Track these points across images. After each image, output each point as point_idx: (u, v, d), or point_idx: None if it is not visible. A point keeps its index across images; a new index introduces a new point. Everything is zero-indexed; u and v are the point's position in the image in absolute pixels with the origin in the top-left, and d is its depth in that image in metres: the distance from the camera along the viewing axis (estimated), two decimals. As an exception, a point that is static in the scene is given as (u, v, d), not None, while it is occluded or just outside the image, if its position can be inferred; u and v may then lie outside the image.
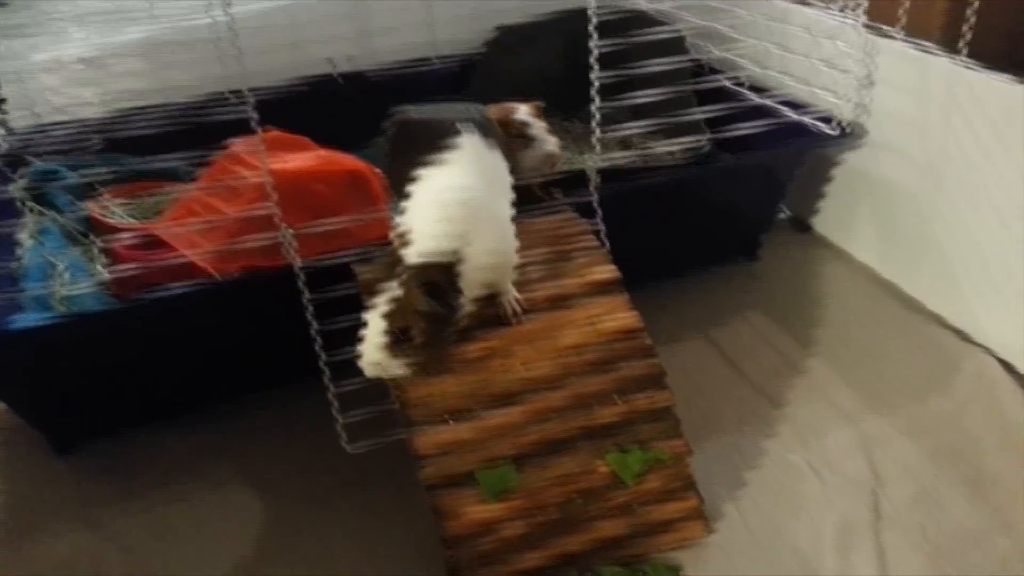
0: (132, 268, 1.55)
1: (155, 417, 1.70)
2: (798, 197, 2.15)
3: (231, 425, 1.69)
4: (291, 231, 1.51)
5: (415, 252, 1.24)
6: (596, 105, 1.64)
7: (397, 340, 1.24)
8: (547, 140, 1.66)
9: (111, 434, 1.67)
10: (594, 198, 1.63)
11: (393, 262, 1.26)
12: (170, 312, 1.55)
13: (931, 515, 1.41)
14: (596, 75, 1.61)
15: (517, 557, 1.32)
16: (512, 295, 1.39)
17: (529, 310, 1.41)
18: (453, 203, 1.29)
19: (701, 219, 1.90)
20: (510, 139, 1.60)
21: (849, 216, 2.03)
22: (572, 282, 1.44)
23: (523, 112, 1.68)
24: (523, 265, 1.47)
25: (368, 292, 1.32)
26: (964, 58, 1.65)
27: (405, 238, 1.26)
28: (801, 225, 2.19)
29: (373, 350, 1.25)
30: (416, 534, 1.44)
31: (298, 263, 1.50)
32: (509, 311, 1.38)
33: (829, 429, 1.59)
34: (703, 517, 1.40)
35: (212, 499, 1.53)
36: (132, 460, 1.62)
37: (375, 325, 1.25)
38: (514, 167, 1.53)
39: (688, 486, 1.39)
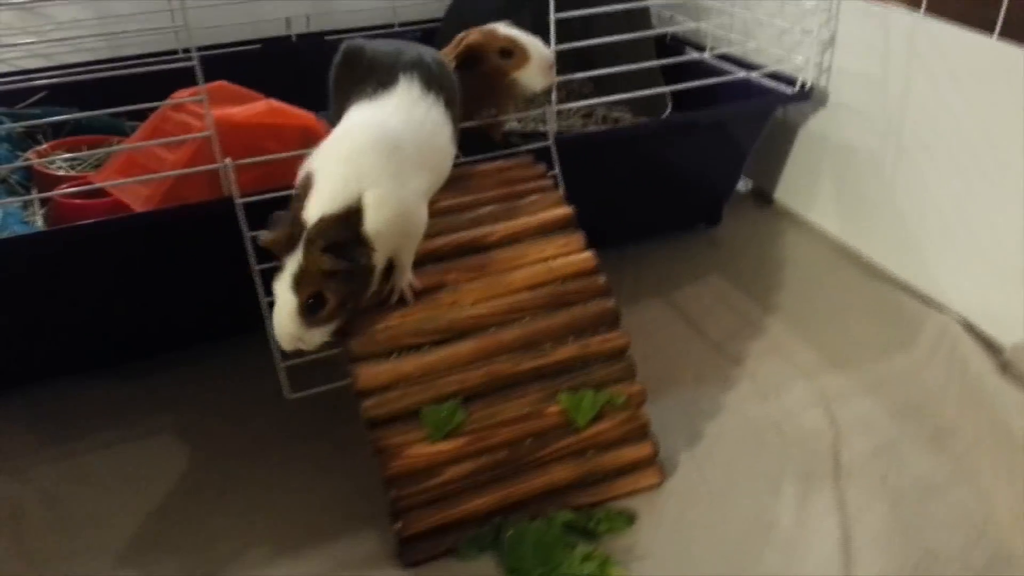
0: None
1: (83, 366, 1.61)
2: (759, 168, 2.13)
3: (164, 376, 1.61)
4: (231, 161, 1.44)
5: (314, 210, 1.15)
6: (553, 78, 1.57)
7: (310, 308, 1.17)
8: (539, 46, 1.54)
9: (36, 382, 1.57)
10: (551, 142, 1.58)
11: (294, 221, 1.17)
12: (98, 241, 1.47)
13: (891, 466, 1.37)
14: (554, 47, 1.57)
15: (464, 499, 1.25)
16: (409, 277, 1.28)
17: (480, 247, 1.36)
18: (363, 144, 1.21)
19: (661, 178, 1.86)
20: (501, 59, 1.52)
21: (810, 184, 2.01)
22: (525, 220, 1.39)
23: (504, 26, 1.56)
24: (476, 204, 1.43)
25: (273, 255, 1.21)
26: (925, 11, 1.64)
27: (307, 186, 1.18)
28: (762, 196, 2.17)
29: (287, 322, 1.17)
30: (359, 482, 1.36)
31: (237, 196, 1.43)
32: (398, 294, 1.27)
33: (788, 385, 1.55)
34: (658, 465, 1.35)
35: (141, 449, 1.44)
36: (57, 409, 1.53)
37: (283, 296, 1.17)
38: (510, 91, 1.54)
39: (643, 432, 1.34)
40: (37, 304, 1.49)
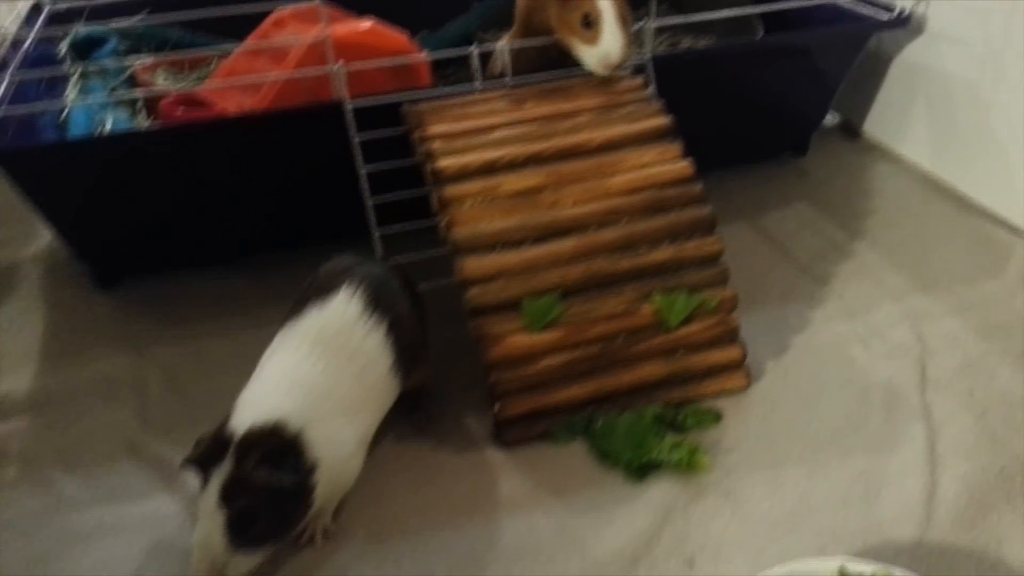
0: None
1: (199, 260, 1.70)
2: (848, 100, 2.11)
3: (278, 272, 1.69)
4: (343, 66, 1.50)
5: (241, 423, 1.04)
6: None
7: (239, 525, 1.00)
8: (611, 44, 1.46)
9: (154, 273, 1.68)
10: (648, 59, 1.60)
11: (220, 429, 1.05)
12: (211, 137, 1.56)
13: (978, 381, 1.38)
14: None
15: (558, 388, 1.31)
16: (326, 520, 1.16)
17: (581, 153, 1.40)
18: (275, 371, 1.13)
19: (749, 103, 1.87)
20: (581, 25, 1.47)
21: (901, 116, 2.00)
22: (624, 128, 1.43)
23: (609, 7, 1.45)
24: (576, 112, 1.46)
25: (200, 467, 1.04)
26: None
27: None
28: (851, 129, 2.16)
29: (209, 542, 0.99)
30: (455, 373, 1.43)
31: (347, 100, 1.49)
32: (311, 535, 1.15)
33: (876, 305, 1.56)
34: (745, 369, 1.38)
35: (254, 336, 1.51)
36: (174, 297, 1.64)
37: (207, 511, 1.00)
38: (572, 56, 1.52)
39: (732, 336, 1.38)
40: (162, 199, 1.59)
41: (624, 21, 1.47)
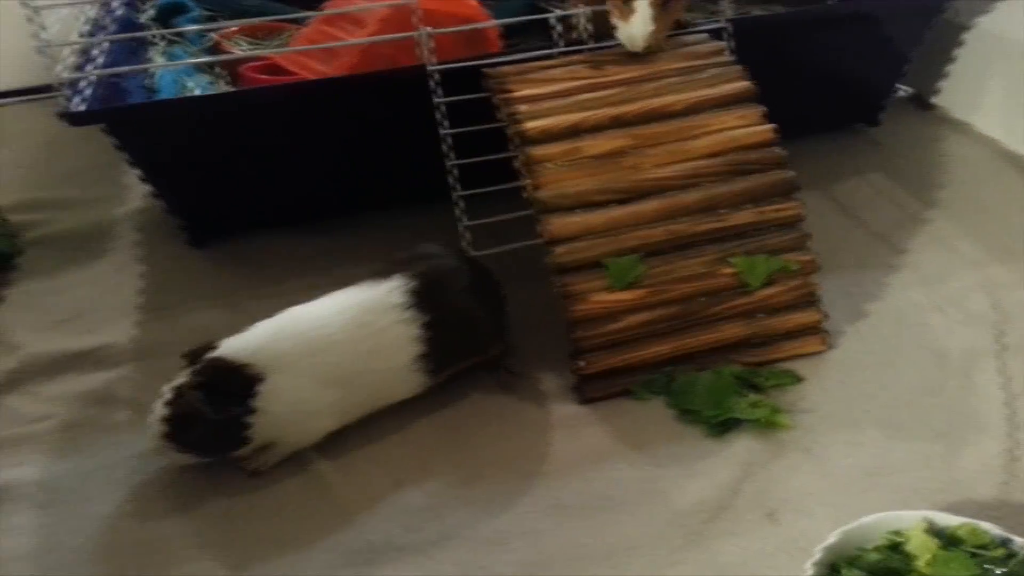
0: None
1: (285, 220, 1.77)
2: (923, 74, 2.10)
3: (356, 234, 1.75)
4: (428, 30, 1.53)
5: (221, 346, 1.18)
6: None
7: (173, 426, 1.13)
8: (637, 27, 1.43)
9: (242, 232, 1.74)
10: (725, 24, 1.61)
11: (207, 345, 1.20)
12: (300, 98, 1.61)
13: (1058, 348, 1.39)
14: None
15: (639, 346, 1.34)
16: (268, 459, 1.22)
17: (662, 116, 1.42)
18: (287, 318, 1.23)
19: (821, 71, 1.87)
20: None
21: (975, 87, 1.98)
22: (706, 92, 1.44)
23: None
24: (658, 75, 1.48)
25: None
26: None
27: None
28: (922, 101, 2.14)
29: (152, 428, 1.15)
30: (535, 332, 1.47)
31: (432, 63, 1.52)
32: (254, 466, 1.22)
33: (952, 273, 1.57)
34: (824, 332, 1.40)
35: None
36: (264, 255, 1.70)
37: (160, 401, 1.15)
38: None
39: (811, 300, 1.39)
40: (248, 160, 1.65)
41: (666, 3, 1.43)
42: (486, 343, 1.36)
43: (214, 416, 1.13)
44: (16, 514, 1.20)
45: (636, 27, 1.44)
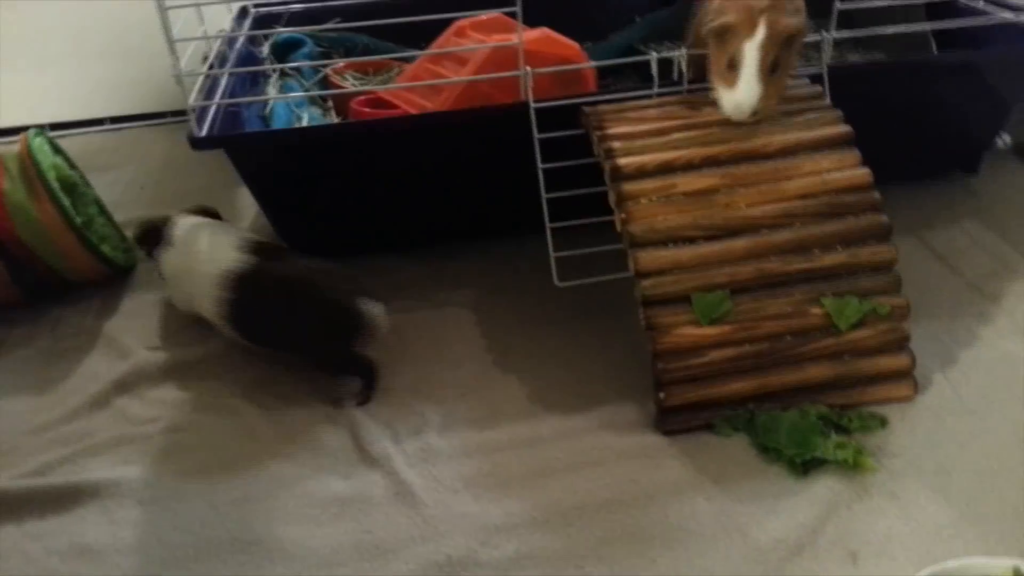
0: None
1: (383, 246, 1.85)
2: (1021, 121, 2.06)
3: (450, 261, 1.82)
4: (530, 69, 1.60)
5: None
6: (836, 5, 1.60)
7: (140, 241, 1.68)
8: (743, 94, 1.38)
9: (345, 256, 1.81)
10: (823, 69, 1.63)
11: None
12: (401, 131, 1.70)
13: None
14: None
15: (723, 382, 1.36)
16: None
17: (757, 156, 1.44)
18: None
19: (921, 119, 1.86)
20: (725, 66, 1.39)
21: (1083, 139, 1.94)
22: (801, 135, 1.46)
23: (752, 45, 1.35)
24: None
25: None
26: None
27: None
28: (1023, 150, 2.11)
29: None
30: (619, 362, 1.50)
31: (531, 100, 1.58)
32: None
33: (1049, 325, 1.54)
34: (913, 378, 1.39)
35: (433, 316, 1.66)
36: (371, 279, 1.76)
37: None
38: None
39: (902, 344, 1.39)
40: (351, 188, 1.74)
41: (773, 69, 1.37)
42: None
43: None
44: (121, 509, 1.28)
45: (743, 94, 1.38)
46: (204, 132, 1.63)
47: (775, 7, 1.35)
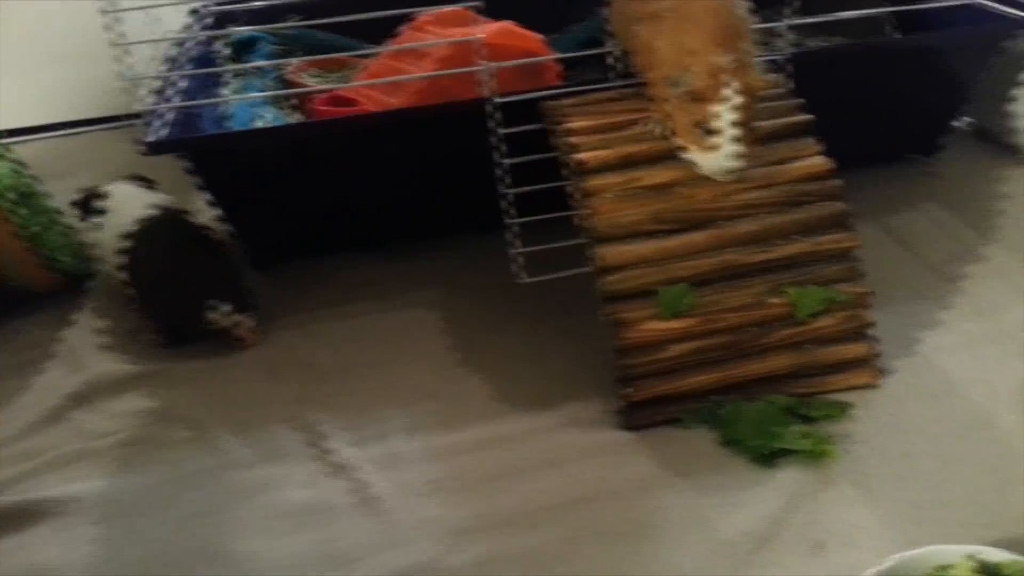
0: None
1: (345, 247, 1.83)
2: (983, 105, 2.07)
3: (414, 260, 1.80)
4: (490, 64, 1.58)
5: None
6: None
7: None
8: (729, 159, 1.28)
9: (303, 257, 1.81)
10: (785, 56, 1.62)
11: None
12: (362, 129, 1.68)
13: (1119, 386, 1.36)
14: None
15: (687, 375, 1.36)
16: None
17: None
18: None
19: (880, 103, 1.86)
20: (698, 131, 1.30)
21: (1039, 119, 1.95)
22: (762, 124, 1.45)
23: (727, 110, 1.26)
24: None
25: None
26: None
27: None
28: (984, 132, 2.12)
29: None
30: (584, 358, 1.50)
31: (491, 96, 1.57)
32: None
33: (1009, 306, 1.55)
34: (875, 364, 1.40)
35: (396, 317, 1.65)
36: (324, 279, 1.76)
37: None
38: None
39: (863, 331, 1.39)
40: (311, 188, 1.72)
41: (747, 123, 1.28)
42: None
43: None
44: (80, 526, 1.26)
45: (727, 158, 1.28)
46: (156, 136, 1.60)
47: (743, 64, 1.27)
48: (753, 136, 1.31)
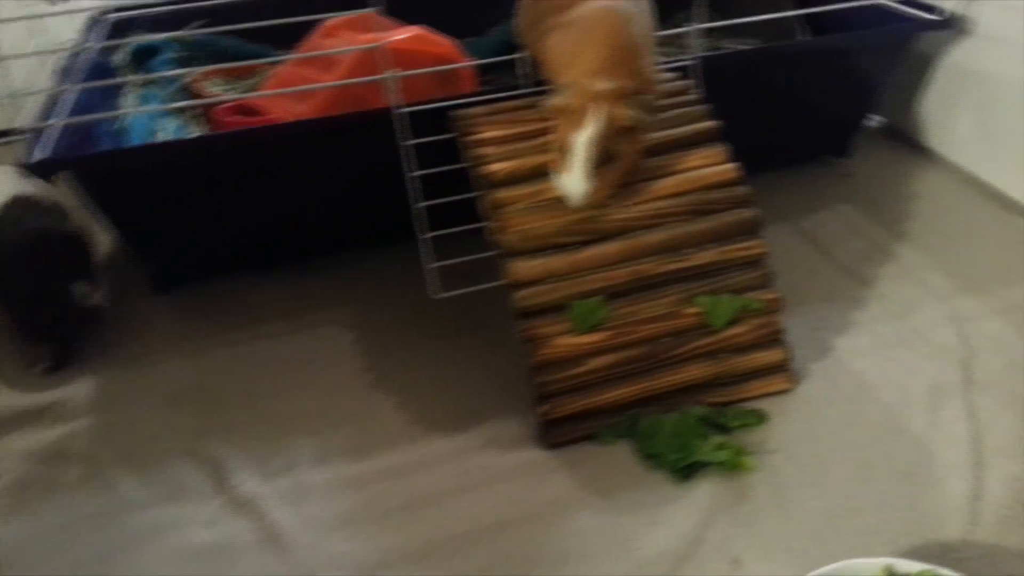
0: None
1: (250, 265, 1.76)
2: (892, 104, 2.11)
3: (323, 278, 1.74)
4: (396, 72, 1.53)
5: None
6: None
7: None
8: (570, 186, 1.28)
9: (210, 277, 1.73)
10: (695, 62, 1.61)
11: None
12: (265, 144, 1.61)
13: (1022, 381, 1.38)
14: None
15: (604, 389, 1.33)
16: None
17: (625, 157, 1.42)
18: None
19: (790, 105, 1.88)
20: (558, 147, 1.29)
21: (945, 117, 1.99)
22: (670, 132, 1.44)
23: (584, 138, 1.24)
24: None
25: None
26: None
27: None
28: (894, 132, 2.15)
29: None
30: (500, 375, 1.46)
31: (397, 106, 1.52)
32: None
33: (920, 306, 1.56)
34: (789, 370, 1.40)
35: (307, 336, 1.58)
36: (231, 300, 1.69)
37: None
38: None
39: (776, 338, 1.39)
40: (216, 204, 1.64)
41: (606, 161, 1.26)
42: None
43: None
44: (-36, 579, 1.18)
45: (569, 187, 1.27)
46: (40, 155, 1.50)
47: (616, 94, 1.23)
48: (612, 173, 1.28)
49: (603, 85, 1.24)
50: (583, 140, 1.24)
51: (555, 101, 1.28)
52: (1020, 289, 1.59)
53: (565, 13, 1.38)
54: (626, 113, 1.25)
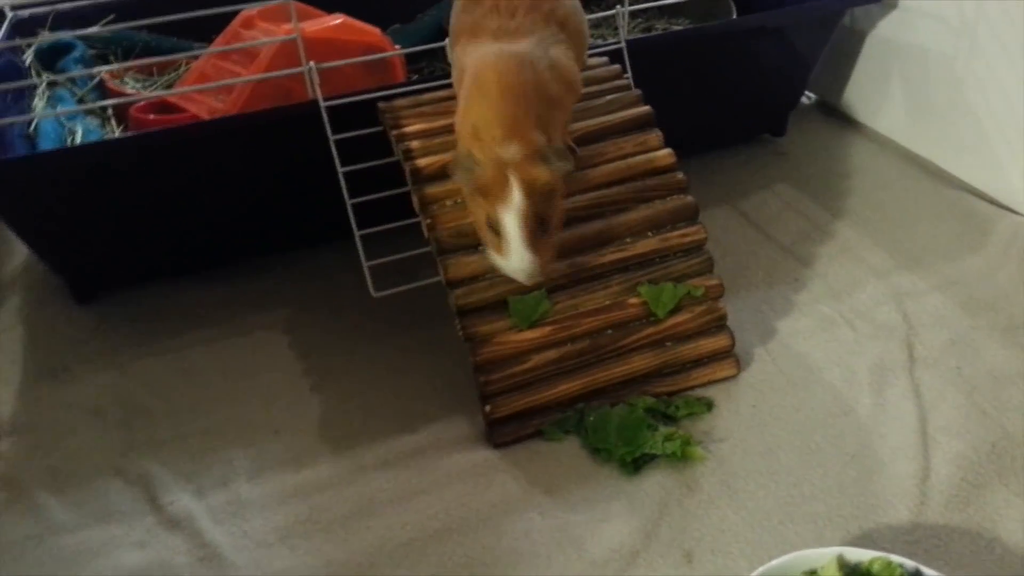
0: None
1: (177, 270, 1.68)
2: (824, 78, 2.11)
3: (256, 279, 1.67)
4: (315, 64, 1.47)
5: None
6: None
7: None
8: (518, 263, 1.16)
9: (132, 284, 1.65)
10: (623, 44, 1.58)
11: None
12: (182, 143, 1.53)
13: (965, 358, 1.39)
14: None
15: (549, 385, 1.30)
16: None
17: (561, 145, 1.38)
18: None
19: (725, 85, 1.86)
20: (488, 227, 1.17)
21: (877, 92, 2.00)
22: (603, 119, 1.42)
23: (512, 216, 1.13)
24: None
25: None
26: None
27: None
28: (828, 108, 2.16)
29: None
30: (444, 373, 1.42)
31: (321, 99, 1.46)
32: None
33: (860, 284, 1.57)
34: (734, 356, 1.38)
35: (237, 343, 1.52)
36: (153, 308, 1.61)
37: None
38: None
39: (720, 324, 1.37)
40: (135, 208, 1.56)
41: (541, 226, 1.15)
42: None
43: None
44: None
45: (517, 265, 1.16)
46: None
47: (527, 157, 1.12)
48: (549, 239, 1.18)
49: (513, 152, 1.12)
50: (512, 214, 1.13)
51: (466, 179, 1.16)
52: (958, 263, 1.60)
53: (469, 50, 1.25)
54: (544, 174, 1.13)
